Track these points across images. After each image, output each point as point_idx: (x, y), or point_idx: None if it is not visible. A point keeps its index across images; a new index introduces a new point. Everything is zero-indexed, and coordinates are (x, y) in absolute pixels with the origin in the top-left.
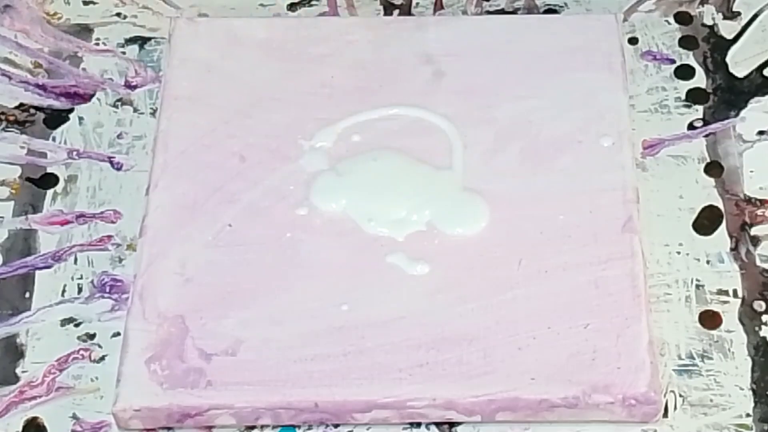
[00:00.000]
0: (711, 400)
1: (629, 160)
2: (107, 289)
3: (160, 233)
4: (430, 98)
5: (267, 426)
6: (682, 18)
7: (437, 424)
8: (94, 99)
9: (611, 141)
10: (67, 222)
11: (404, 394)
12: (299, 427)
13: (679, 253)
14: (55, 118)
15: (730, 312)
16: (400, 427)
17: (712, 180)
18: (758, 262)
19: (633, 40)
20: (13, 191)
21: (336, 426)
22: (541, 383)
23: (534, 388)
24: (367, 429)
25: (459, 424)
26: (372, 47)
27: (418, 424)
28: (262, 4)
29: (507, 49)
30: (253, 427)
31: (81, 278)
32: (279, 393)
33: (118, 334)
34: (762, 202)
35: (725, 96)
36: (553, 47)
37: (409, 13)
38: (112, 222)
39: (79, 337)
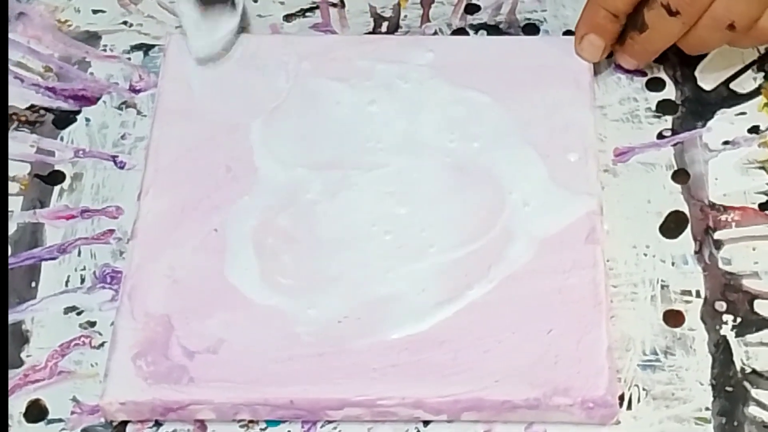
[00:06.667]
0: (673, 394)
1: (593, 175)
2: (108, 280)
3: (150, 237)
4: (411, 111)
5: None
6: None
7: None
8: (100, 102)
9: (577, 156)
10: (72, 217)
11: (375, 393)
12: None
13: (645, 254)
14: (64, 119)
15: (692, 311)
16: (388, 423)
17: (678, 186)
18: (720, 265)
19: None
20: (23, 187)
21: (314, 423)
22: (504, 385)
23: (497, 390)
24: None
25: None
26: (355, 64)
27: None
28: (260, 15)
29: (483, 68)
30: (243, 420)
31: (84, 270)
32: (256, 390)
33: None
34: (725, 207)
35: (693, 107)
36: (526, 66)
37: (398, 26)
38: (114, 217)
39: (80, 325)
